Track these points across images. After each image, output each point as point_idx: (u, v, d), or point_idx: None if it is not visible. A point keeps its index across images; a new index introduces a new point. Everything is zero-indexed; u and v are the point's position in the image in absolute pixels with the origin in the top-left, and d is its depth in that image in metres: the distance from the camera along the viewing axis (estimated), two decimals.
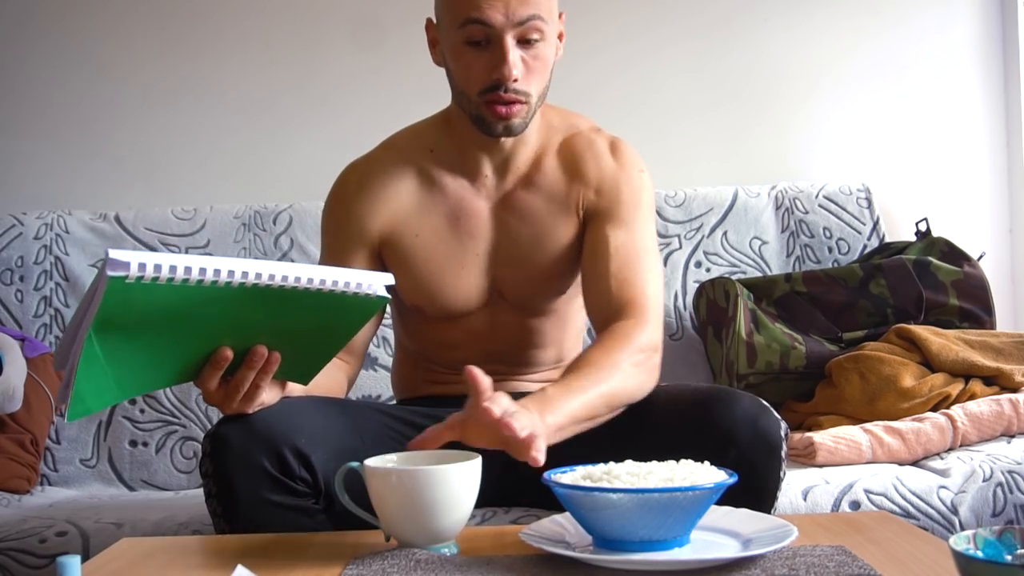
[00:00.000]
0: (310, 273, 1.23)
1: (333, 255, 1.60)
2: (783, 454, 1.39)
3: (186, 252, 2.30)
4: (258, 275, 1.19)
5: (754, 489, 1.33)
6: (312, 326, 1.30)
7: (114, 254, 1.09)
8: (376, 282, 1.29)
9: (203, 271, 1.15)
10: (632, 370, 1.42)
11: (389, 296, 1.30)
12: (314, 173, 2.50)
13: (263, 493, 1.34)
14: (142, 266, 1.11)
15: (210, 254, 2.30)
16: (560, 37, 1.55)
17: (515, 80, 1.46)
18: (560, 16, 1.54)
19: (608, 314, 1.50)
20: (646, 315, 1.48)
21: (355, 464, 1.22)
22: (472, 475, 1.18)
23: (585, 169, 1.60)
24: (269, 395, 1.35)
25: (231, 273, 1.17)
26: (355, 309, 1.30)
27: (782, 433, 1.40)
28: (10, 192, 2.51)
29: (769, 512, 1.37)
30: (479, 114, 1.51)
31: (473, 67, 1.49)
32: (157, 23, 2.54)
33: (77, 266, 2.29)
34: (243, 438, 1.34)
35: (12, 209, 2.40)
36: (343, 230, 1.60)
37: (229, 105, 2.54)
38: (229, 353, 1.27)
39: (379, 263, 1.61)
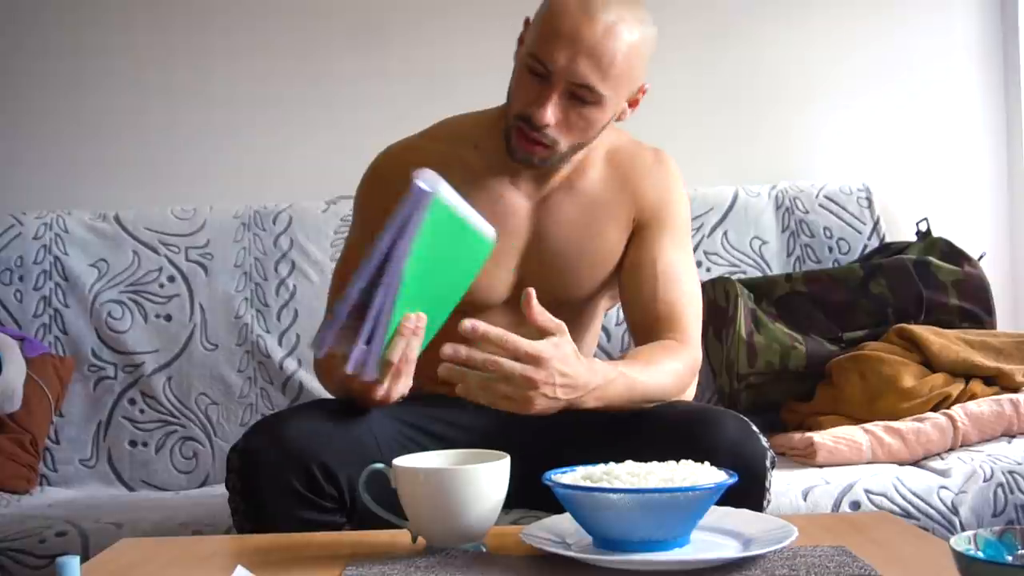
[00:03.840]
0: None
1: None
2: (768, 483, 1.38)
3: (186, 252, 2.30)
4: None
5: None
6: (447, 280, 1.33)
7: (423, 174, 1.16)
8: (487, 227, 1.31)
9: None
10: (671, 376, 1.48)
11: (494, 243, 1.33)
12: (314, 173, 2.50)
13: (294, 511, 1.35)
14: (443, 187, 1.19)
15: (210, 254, 2.29)
16: (634, 104, 1.56)
17: (546, 126, 1.47)
18: (642, 88, 1.54)
19: (653, 334, 1.54)
20: (690, 341, 1.54)
21: (379, 465, 1.22)
22: (500, 475, 1.18)
23: (636, 185, 1.62)
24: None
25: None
26: (472, 252, 1.32)
27: (767, 462, 1.38)
28: (10, 192, 2.50)
29: None
30: (508, 133, 1.53)
31: (521, 90, 1.50)
32: (158, 23, 2.53)
33: (76, 266, 2.28)
34: (275, 457, 1.34)
35: (11, 209, 2.39)
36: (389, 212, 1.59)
37: (229, 105, 2.53)
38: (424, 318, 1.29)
39: None
